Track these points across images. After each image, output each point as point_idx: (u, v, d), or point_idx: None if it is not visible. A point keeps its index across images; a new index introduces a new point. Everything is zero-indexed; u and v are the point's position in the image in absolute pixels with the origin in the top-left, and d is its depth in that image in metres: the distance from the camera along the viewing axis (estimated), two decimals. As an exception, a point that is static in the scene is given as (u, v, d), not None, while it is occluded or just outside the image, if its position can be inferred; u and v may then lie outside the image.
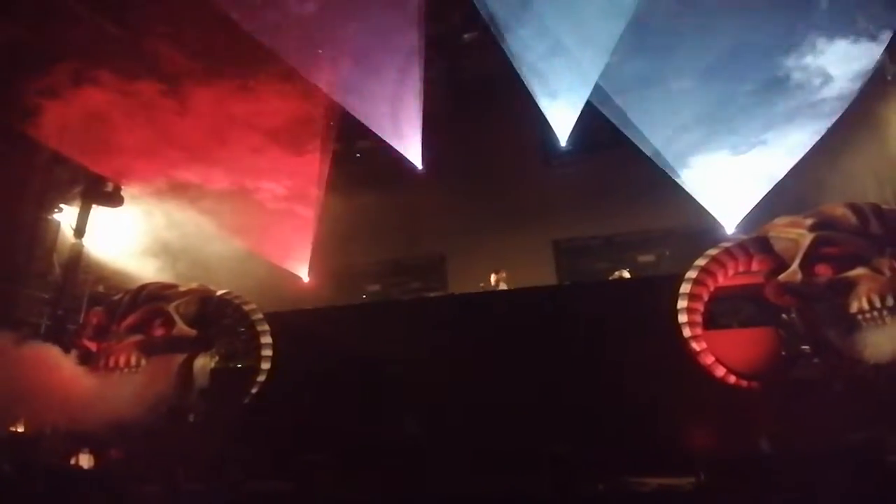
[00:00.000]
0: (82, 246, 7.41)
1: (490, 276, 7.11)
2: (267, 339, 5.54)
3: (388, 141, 8.78)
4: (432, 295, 8.30)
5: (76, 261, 7.37)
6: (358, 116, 8.71)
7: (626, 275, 6.34)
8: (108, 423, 4.93)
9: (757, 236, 5.00)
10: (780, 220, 4.98)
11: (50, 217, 7.56)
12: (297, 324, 5.87)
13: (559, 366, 5.11)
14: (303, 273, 8.65)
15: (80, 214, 7.45)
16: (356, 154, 9.60)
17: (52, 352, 5.27)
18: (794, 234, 4.77)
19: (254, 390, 5.35)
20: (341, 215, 9.10)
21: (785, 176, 6.70)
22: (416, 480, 4.60)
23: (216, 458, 5.03)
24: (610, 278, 6.06)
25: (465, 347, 5.35)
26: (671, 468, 4.21)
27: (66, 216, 7.56)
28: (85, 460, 5.42)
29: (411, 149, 8.94)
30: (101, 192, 7.51)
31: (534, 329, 5.30)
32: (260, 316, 5.64)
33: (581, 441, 4.64)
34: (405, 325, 5.69)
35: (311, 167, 8.77)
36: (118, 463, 5.22)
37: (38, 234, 7.54)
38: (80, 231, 7.37)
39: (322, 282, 8.73)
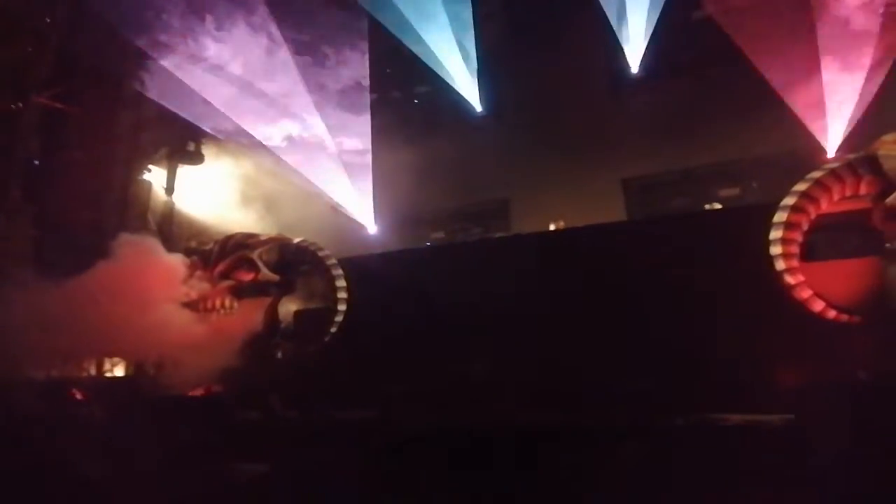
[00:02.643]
0: (173, 203, 8.02)
1: (549, 225, 6.92)
2: (342, 283, 5.79)
3: (446, 83, 8.56)
4: (499, 235, 8.22)
5: (169, 217, 8.02)
6: (413, 60, 8.53)
7: (717, 207, 5.90)
8: (211, 360, 5.45)
9: (865, 154, 4.39)
10: (889, 137, 4.33)
11: (141, 178, 8.20)
12: (369, 267, 6.09)
13: (635, 303, 4.96)
14: (369, 222, 8.87)
15: (168, 174, 8.03)
16: (414, 100, 9.44)
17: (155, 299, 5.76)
18: (904, 150, 4.16)
19: (333, 329, 5.67)
20: (403, 164, 9.13)
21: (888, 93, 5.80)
22: (490, 415, 4.76)
23: (305, 390, 5.47)
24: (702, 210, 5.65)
25: (536, 286, 5.32)
26: (762, 405, 4.03)
27: (155, 176, 8.17)
28: (192, 393, 6.04)
29: (469, 90, 8.67)
30: (184, 151, 8.02)
31: (607, 266, 5.14)
32: (334, 261, 5.88)
33: (665, 377, 4.54)
34: (470, 264, 5.73)
35: (370, 118, 8.78)
36: (221, 395, 5.78)
37: (132, 194, 8.23)
38: (170, 189, 7.97)
39: (387, 231, 8.93)
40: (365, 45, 8.58)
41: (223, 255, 6.02)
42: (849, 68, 6.09)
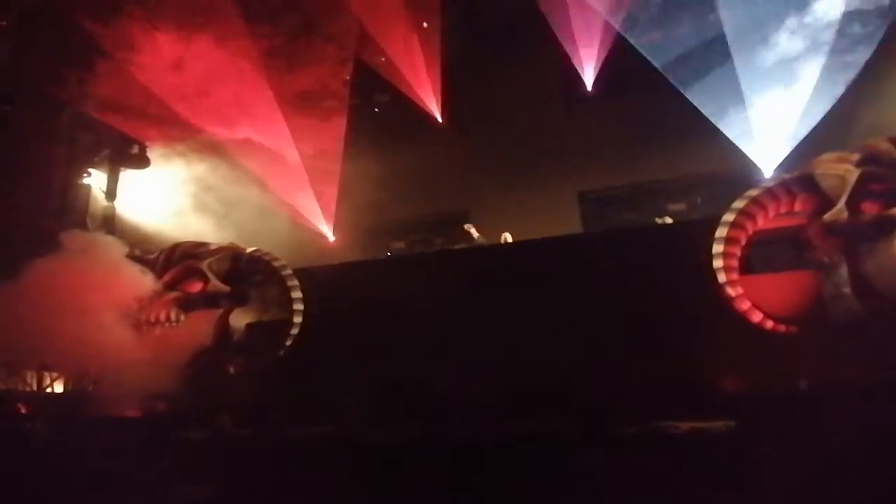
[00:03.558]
0: (114, 209, 7.57)
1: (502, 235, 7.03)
2: (298, 294, 5.64)
3: (406, 94, 8.58)
4: (457, 247, 8.28)
5: (109, 223, 7.55)
6: (374, 69, 8.50)
7: (669, 220, 6.17)
8: (154, 376, 5.15)
9: (801, 174, 4.74)
10: (827, 156, 4.71)
11: (80, 182, 7.70)
12: (326, 278, 5.95)
13: (588, 314, 5.09)
14: (328, 232, 8.71)
15: (109, 178, 7.58)
16: (374, 109, 9.39)
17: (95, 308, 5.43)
18: (841, 169, 4.52)
19: (288, 342, 5.50)
20: (362, 173, 9.05)
21: (827, 115, 6.32)
22: (445, 427, 4.73)
23: (258, 406, 5.25)
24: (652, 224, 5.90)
25: (493, 297, 5.36)
26: (705, 412, 4.21)
27: (95, 180, 7.69)
28: (133, 412, 5.71)
29: (430, 101, 8.73)
30: (127, 154, 7.60)
31: (562, 277, 5.26)
32: (290, 271, 5.73)
33: (613, 387, 4.68)
34: (430, 276, 5.71)
35: (331, 124, 8.67)
36: (165, 413, 5.48)
37: (70, 198, 7.71)
38: (110, 194, 7.52)
39: (346, 241, 8.79)
40: (329, 50, 8.48)
41: (169, 265, 5.74)
42: (783, 94, 6.58)
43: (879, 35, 6.03)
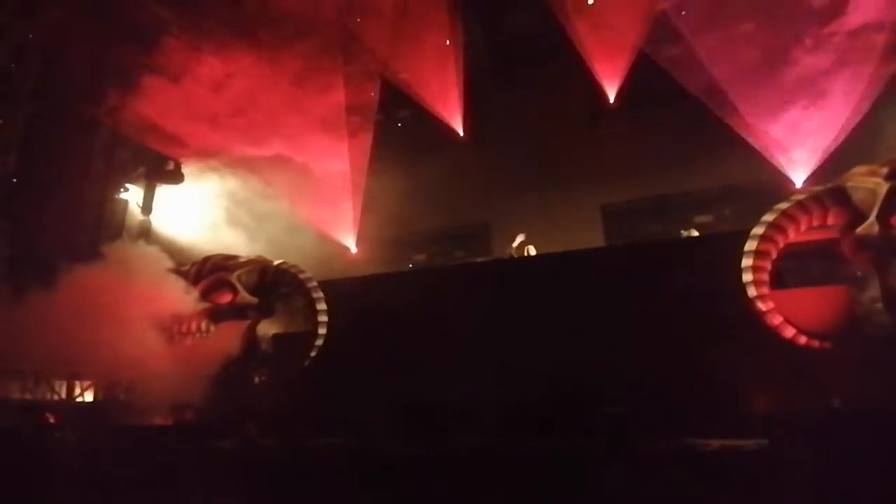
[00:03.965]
0: (150, 223, 7.87)
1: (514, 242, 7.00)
2: (322, 306, 5.75)
3: (428, 109, 8.71)
4: (480, 260, 8.28)
5: (145, 237, 7.85)
6: (398, 86, 8.67)
7: (695, 233, 6.07)
8: (185, 386, 5.29)
9: (833, 186, 4.63)
10: (858, 169, 4.59)
11: (117, 197, 8.04)
12: (351, 290, 6.05)
13: (612, 328, 5.03)
14: (351, 244, 8.84)
15: (145, 193, 7.89)
16: (398, 124, 9.55)
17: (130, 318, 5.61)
18: (871, 182, 4.41)
19: (313, 353, 5.59)
20: (385, 187, 9.19)
21: (856, 127, 6.15)
22: (466, 440, 4.71)
23: (283, 416, 5.33)
24: (678, 237, 5.82)
25: (516, 310, 5.35)
26: (736, 430, 4.10)
27: (132, 195, 8.03)
28: (163, 420, 5.84)
29: (453, 116, 8.83)
30: (163, 170, 7.91)
31: (585, 291, 5.22)
32: (315, 284, 5.84)
33: (642, 402, 4.58)
34: (451, 289, 5.74)
35: (356, 140, 8.85)
36: (194, 423, 5.60)
37: (107, 212, 8.05)
38: (147, 208, 7.83)
39: (369, 253, 8.89)
40: (354, 69, 8.69)
41: (200, 277, 5.93)
42: (815, 105, 6.44)
43: None
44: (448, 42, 8.68)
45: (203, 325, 5.78)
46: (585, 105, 8.54)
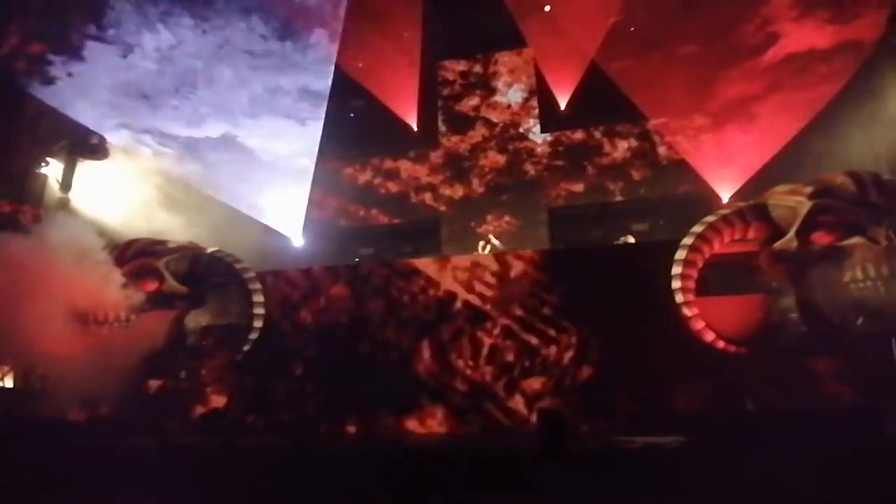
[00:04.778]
0: (69, 200, 7.23)
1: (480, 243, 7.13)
2: (259, 298, 5.50)
3: (383, 101, 8.56)
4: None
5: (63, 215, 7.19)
6: (352, 74, 8.47)
7: (631, 240, 6.33)
8: (100, 378, 4.91)
9: (755, 203, 4.97)
10: (780, 188, 4.94)
11: (37, 171, 7.33)
12: (291, 282, 5.82)
13: (554, 325, 5.16)
14: (295, 235, 8.55)
15: (65, 168, 7.25)
16: (349, 113, 9.33)
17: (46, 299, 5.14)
18: (792, 201, 4.74)
19: (246, 347, 5.34)
20: (334, 176, 8.98)
21: (784, 147, 6.64)
22: (398, 440, 4.67)
23: (209, 414, 5.06)
24: (615, 243, 6.06)
25: (454, 309, 5.36)
26: (659, 427, 4.30)
27: (52, 170, 7.34)
28: (76, 414, 5.41)
29: (407, 110, 8.73)
30: (86, 144, 7.29)
31: (527, 290, 5.32)
32: (252, 274, 5.58)
33: (571, 400, 4.72)
34: (396, 286, 5.66)
35: (306, 127, 8.57)
36: (110, 418, 5.22)
37: (26, 187, 7.34)
38: (66, 185, 7.19)
39: (314, 244, 8.64)
40: (309, 52, 8.41)
41: (122, 262, 5.51)
42: (744, 128, 6.91)
43: (845, 75, 6.32)
44: (406, 35, 8.58)
45: (123, 314, 5.37)
46: (538, 107, 8.73)
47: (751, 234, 4.87)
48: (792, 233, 4.65)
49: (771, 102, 6.82)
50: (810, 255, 4.66)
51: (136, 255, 5.51)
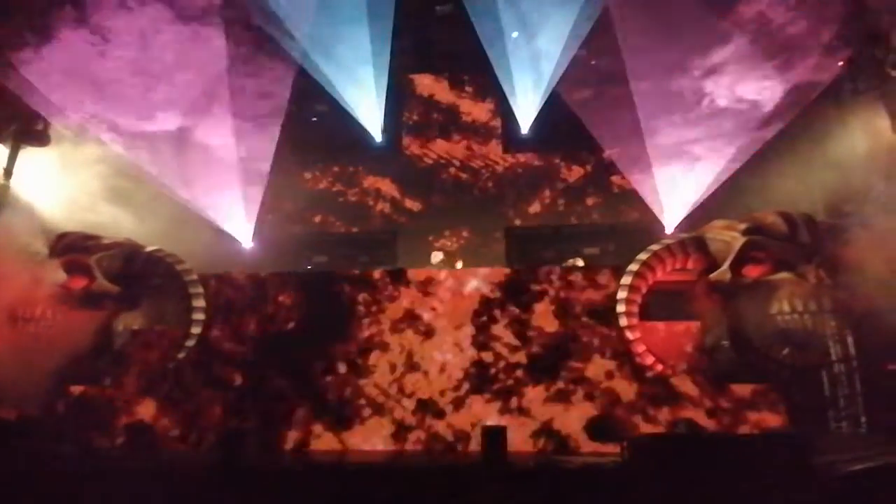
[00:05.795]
0: (9, 188, 6.69)
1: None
2: (200, 303, 5.25)
3: (346, 107, 8.48)
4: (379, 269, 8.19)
5: (1, 204, 6.63)
6: (317, 77, 8.35)
7: (580, 262, 6.50)
8: (24, 377, 4.53)
9: (695, 236, 5.25)
10: (718, 223, 5.25)
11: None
12: (235, 287, 5.60)
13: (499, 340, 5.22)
14: (245, 237, 8.24)
15: (10, 154, 6.72)
16: (312, 118, 9.17)
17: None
18: (728, 236, 5.04)
19: (181, 354, 5.07)
20: (292, 182, 8.78)
21: (725, 182, 7.06)
22: (340, 455, 4.55)
23: (134, 425, 4.75)
24: (563, 265, 6.22)
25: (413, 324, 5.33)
26: (598, 446, 4.40)
27: (-4, 157, 6.77)
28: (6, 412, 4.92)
29: (371, 118, 8.69)
30: (30, 130, 6.79)
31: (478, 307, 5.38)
32: (194, 277, 5.33)
33: (511, 417, 4.76)
34: (346, 296, 5.56)
35: (265, 127, 8.35)
36: (32, 421, 4.79)
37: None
38: (8, 172, 6.66)
39: (265, 248, 8.37)
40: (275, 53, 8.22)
41: (52, 256, 5.14)
42: (689, 166, 7.36)
43: (785, 118, 6.78)
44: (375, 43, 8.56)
45: (48, 312, 4.99)
46: (502, 129, 8.91)
47: (690, 264, 5.15)
48: (726, 265, 4.94)
49: (712, 145, 7.29)
50: (741, 287, 4.96)
51: (65, 250, 5.15)
